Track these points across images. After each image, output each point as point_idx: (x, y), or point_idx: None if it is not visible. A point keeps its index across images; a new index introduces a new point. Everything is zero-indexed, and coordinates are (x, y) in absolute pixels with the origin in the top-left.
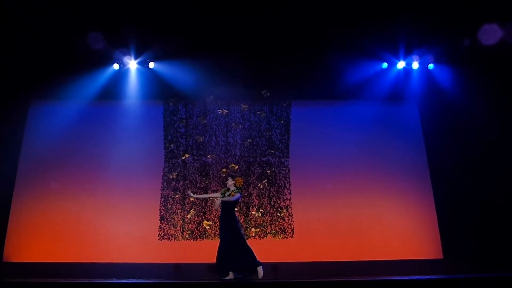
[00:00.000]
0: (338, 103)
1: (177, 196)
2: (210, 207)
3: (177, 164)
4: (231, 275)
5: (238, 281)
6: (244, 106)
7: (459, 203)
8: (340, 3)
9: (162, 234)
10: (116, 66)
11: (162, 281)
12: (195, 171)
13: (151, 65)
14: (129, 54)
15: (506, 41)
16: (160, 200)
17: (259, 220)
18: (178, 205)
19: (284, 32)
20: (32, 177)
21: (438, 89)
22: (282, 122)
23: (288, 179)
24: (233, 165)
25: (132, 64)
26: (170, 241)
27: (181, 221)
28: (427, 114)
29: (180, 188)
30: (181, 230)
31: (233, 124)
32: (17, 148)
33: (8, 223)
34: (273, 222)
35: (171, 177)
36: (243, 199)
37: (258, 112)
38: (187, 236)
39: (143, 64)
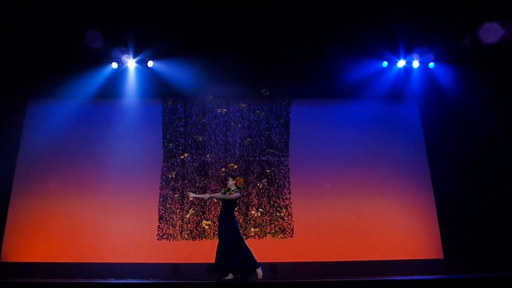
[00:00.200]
0: (338, 102)
1: (176, 195)
2: (209, 207)
3: (176, 163)
4: (230, 276)
5: (237, 281)
6: (243, 105)
7: (459, 202)
8: (340, 1)
9: (161, 234)
10: (114, 65)
11: (160, 281)
12: (194, 171)
13: (150, 63)
14: (128, 53)
15: (507, 40)
16: (159, 200)
17: (258, 219)
18: (177, 204)
19: (283, 30)
20: (30, 177)
21: (439, 88)
22: (281, 121)
23: (287, 179)
24: (232, 164)
25: (131, 63)
26: (169, 241)
27: (180, 221)
28: (427, 113)
29: (179, 188)
30: (180, 230)
31: (232, 123)
32: (15, 148)
33: (6, 223)
34: (273, 221)
35: (170, 176)
36: (242, 199)
37: (257, 111)
38: (186, 236)
39: (142, 62)
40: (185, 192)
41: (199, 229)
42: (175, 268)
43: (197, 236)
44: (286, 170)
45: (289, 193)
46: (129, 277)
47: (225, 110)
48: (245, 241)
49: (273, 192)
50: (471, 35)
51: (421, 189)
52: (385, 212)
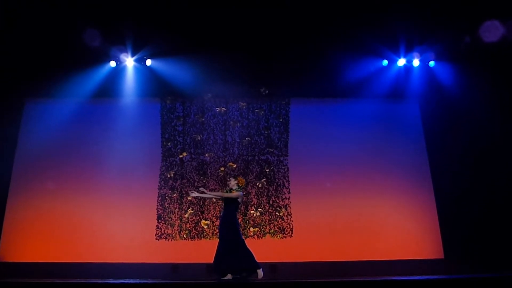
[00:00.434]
0: (338, 100)
1: (174, 195)
2: (208, 206)
3: (174, 162)
4: (229, 276)
5: (236, 281)
6: (242, 104)
7: (460, 202)
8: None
9: (159, 234)
10: (112, 64)
11: (159, 281)
12: (192, 170)
13: (148, 62)
14: (126, 51)
15: (508, 38)
16: (157, 199)
17: (257, 219)
18: (175, 204)
19: (283, 28)
20: (28, 176)
21: (439, 87)
22: (281, 120)
23: (287, 178)
24: (231, 163)
25: (129, 62)
26: (168, 240)
27: (179, 221)
28: (428, 112)
29: (178, 187)
30: (179, 230)
31: (231, 122)
32: (12, 147)
33: (4, 223)
34: (272, 221)
35: (168, 176)
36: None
37: (256, 110)
38: (184, 236)
39: (140, 61)
40: (187, 192)
41: (198, 229)
42: (174, 268)
43: (195, 236)
44: (286, 170)
45: (289, 192)
46: (128, 277)
47: (224, 109)
48: (245, 242)
49: (272, 191)
50: (471, 33)
51: (421, 189)
52: (385, 212)
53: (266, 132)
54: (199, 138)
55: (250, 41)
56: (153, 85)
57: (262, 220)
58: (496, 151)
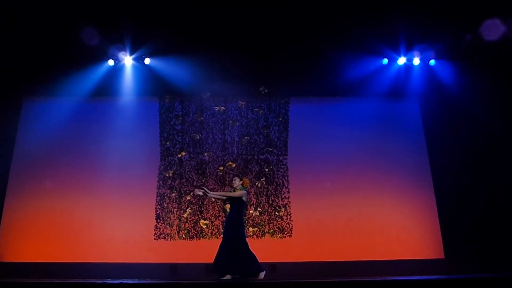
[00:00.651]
0: (338, 99)
1: (173, 194)
2: (207, 206)
3: (173, 162)
4: (228, 276)
5: (235, 281)
6: (241, 103)
7: (460, 201)
8: None
9: (158, 234)
10: (111, 62)
11: (158, 281)
12: (191, 169)
13: (147, 61)
14: (124, 50)
15: (509, 37)
16: (156, 199)
17: (257, 219)
18: (174, 204)
19: (282, 27)
20: (25, 176)
21: (440, 86)
22: (280, 119)
23: (286, 178)
24: (230, 163)
25: (127, 60)
26: (166, 240)
27: (178, 220)
28: (428, 111)
29: (176, 187)
30: (178, 230)
31: (230, 121)
32: (10, 146)
33: (1, 222)
34: (271, 221)
35: (167, 175)
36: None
37: (256, 109)
38: (183, 236)
39: (139, 60)
40: (193, 190)
41: (197, 228)
42: (173, 268)
43: (194, 236)
44: (285, 169)
45: (288, 192)
46: (126, 277)
47: (223, 108)
48: (248, 244)
49: (272, 191)
50: (472, 32)
51: (421, 188)
52: (385, 212)
53: (265, 131)
54: (198, 137)
55: (250, 39)
56: (152, 84)
57: (261, 220)
58: (497, 150)
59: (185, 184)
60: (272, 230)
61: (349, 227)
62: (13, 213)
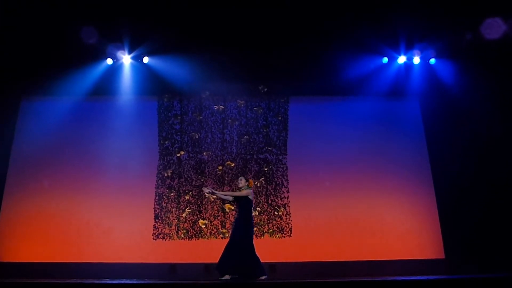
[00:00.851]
0: (337, 99)
1: (172, 194)
2: (206, 206)
3: (172, 161)
4: (227, 276)
5: (234, 281)
6: (240, 102)
7: (461, 201)
8: None
9: (156, 233)
10: (109, 61)
11: (156, 281)
12: (190, 169)
13: (145, 59)
14: (123, 49)
15: (510, 36)
16: (155, 199)
17: (256, 219)
18: (173, 203)
19: (282, 25)
20: (24, 175)
21: (440, 85)
22: (279, 118)
23: (285, 177)
24: (229, 162)
25: (126, 59)
26: (165, 240)
27: (176, 220)
28: (428, 110)
29: (175, 186)
30: (176, 229)
31: (229, 120)
32: (8, 145)
33: None
34: (271, 221)
35: (165, 174)
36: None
37: (255, 108)
38: (182, 236)
39: (137, 59)
40: (201, 188)
41: (196, 228)
42: (171, 268)
43: (193, 236)
44: (284, 168)
45: (287, 191)
46: (125, 277)
47: (222, 107)
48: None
49: (271, 190)
50: (472, 30)
51: (422, 188)
52: (385, 211)
53: (264, 131)
54: (197, 137)
55: (249, 38)
56: (151, 83)
57: (260, 220)
58: (498, 149)
59: (184, 183)
60: (271, 230)
61: (348, 227)
62: (11, 213)
